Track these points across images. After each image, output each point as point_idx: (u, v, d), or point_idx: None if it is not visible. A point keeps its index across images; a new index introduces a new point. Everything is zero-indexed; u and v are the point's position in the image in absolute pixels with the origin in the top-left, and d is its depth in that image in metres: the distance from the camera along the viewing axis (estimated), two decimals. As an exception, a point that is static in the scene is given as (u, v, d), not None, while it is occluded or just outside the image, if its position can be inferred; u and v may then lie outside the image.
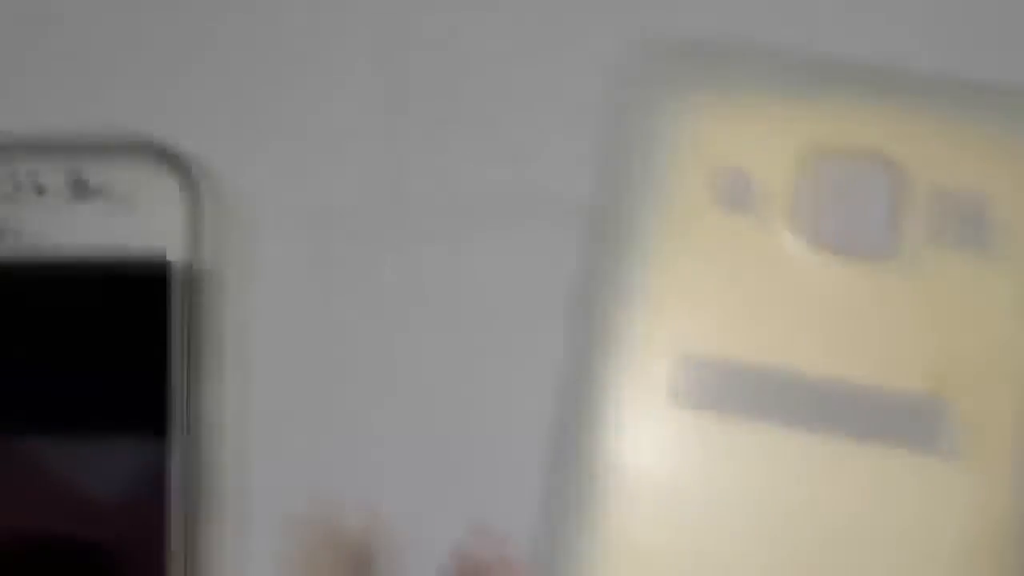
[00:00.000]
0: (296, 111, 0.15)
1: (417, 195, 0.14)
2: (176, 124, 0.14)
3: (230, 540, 0.14)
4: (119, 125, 0.14)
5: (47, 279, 0.13)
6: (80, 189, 0.13)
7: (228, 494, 0.14)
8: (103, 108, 0.14)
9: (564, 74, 0.14)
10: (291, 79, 0.15)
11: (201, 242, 0.13)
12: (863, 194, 0.14)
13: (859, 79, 0.14)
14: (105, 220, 0.13)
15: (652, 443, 0.14)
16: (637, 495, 0.14)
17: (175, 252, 0.13)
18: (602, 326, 0.14)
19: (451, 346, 0.14)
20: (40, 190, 0.13)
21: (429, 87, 0.15)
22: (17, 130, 0.14)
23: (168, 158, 0.14)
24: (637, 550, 0.14)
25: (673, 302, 0.14)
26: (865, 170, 0.14)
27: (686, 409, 0.14)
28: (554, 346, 0.14)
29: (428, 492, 0.14)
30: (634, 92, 0.14)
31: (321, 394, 0.14)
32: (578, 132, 0.14)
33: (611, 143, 0.14)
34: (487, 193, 0.14)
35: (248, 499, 0.14)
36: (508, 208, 0.15)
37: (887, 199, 0.14)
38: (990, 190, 0.14)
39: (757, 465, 0.14)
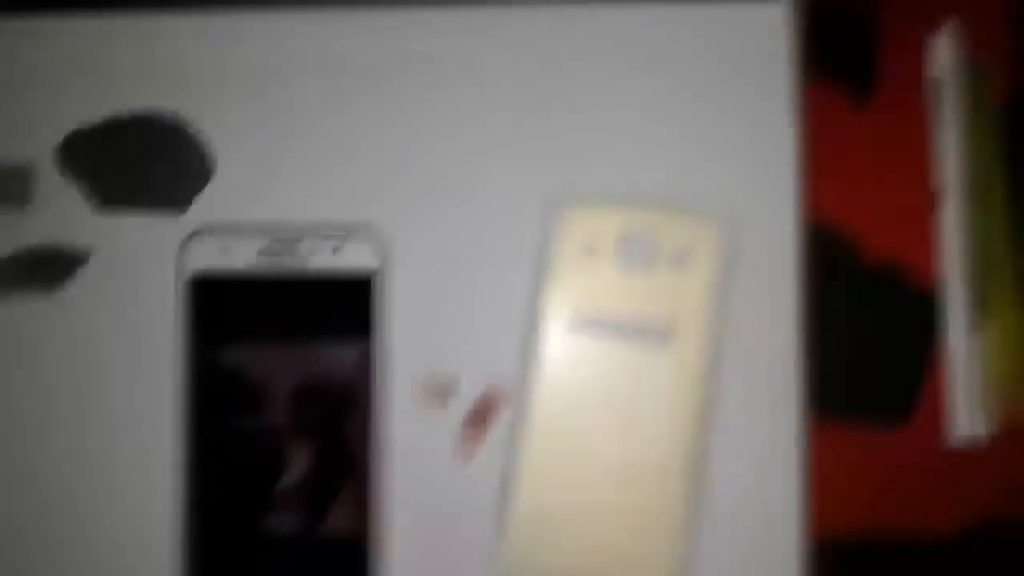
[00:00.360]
0: (446, 202, 0.35)
1: (492, 250, 0.35)
2: (375, 209, 0.35)
3: (391, 397, 0.34)
4: (341, 212, 0.35)
5: (326, 279, 0.34)
6: (340, 245, 0.34)
7: (391, 374, 0.34)
8: (333, 202, 0.35)
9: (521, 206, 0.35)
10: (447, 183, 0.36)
11: (385, 267, 0.34)
12: (641, 247, 0.35)
13: (643, 204, 0.35)
14: (347, 258, 0.34)
15: (555, 352, 0.34)
16: (549, 375, 0.34)
17: (375, 270, 0.34)
18: (538, 301, 0.34)
19: (505, 296, 0.35)
20: (298, 250, 0.34)
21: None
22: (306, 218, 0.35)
23: (373, 232, 0.35)
24: (548, 397, 0.34)
25: (564, 295, 0.34)
26: (643, 239, 0.35)
27: (573, 333, 0.34)
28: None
29: (482, 362, 0.35)
30: (554, 210, 0.35)
31: (457, 317, 0.35)
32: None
33: (543, 232, 0.35)
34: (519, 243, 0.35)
35: (403, 377, 0.35)
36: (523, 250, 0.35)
37: (652, 248, 0.35)
38: (690, 245, 0.35)
39: (596, 358, 0.34)
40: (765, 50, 0.35)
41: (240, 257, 0.34)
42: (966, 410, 0.35)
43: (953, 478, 0.35)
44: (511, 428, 0.34)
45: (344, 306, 0.34)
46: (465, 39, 0.36)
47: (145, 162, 0.35)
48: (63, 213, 0.35)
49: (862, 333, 0.36)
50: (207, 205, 0.36)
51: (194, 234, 0.35)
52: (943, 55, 0.36)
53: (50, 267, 0.35)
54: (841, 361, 0.35)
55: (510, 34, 0.36)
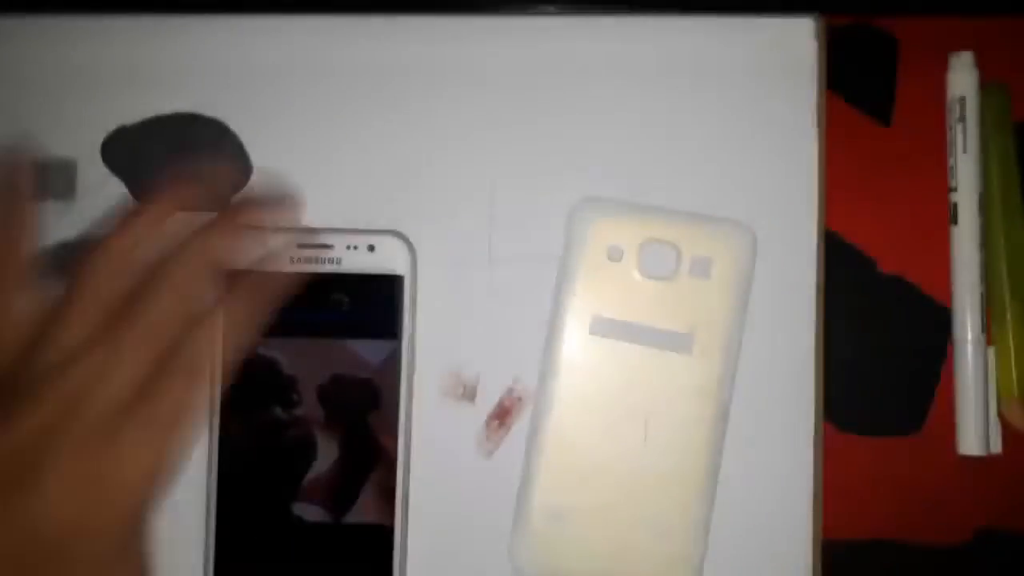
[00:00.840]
0: (473, 207, 0.37)
1: (517, 253, 0.36)
2: (405, 213, 0.36)
3: (417, 392, 0.36)
4: (370, 215, 0.36)
5: (356, 280, 0.35)
6: (370, 247, 0.35)
7: (417, 370, 0.36)
8: (363, 205, 0.36)
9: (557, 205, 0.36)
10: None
11: (413, 269, 0.35)
12: (665, 255, 0.36)
13: (668, 212, 0.36)
14: (377, 260, 0.35)
15: (575, 354, 0.35)
16: (568, 377, 0.35)
17: (403, 272, 0.35)
18: (560, 305, 0.36)
19: (529, 298, 0.36)
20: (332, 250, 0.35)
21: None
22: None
23: (401, 236, 0.36)
24: (567, 398, 0.35)
25: (585, 299, 0.36)
26: (666, 247, 0.36)
27: (593, 336, 0.35)
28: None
29: (505, 361, 0.36)
30: (578, 217, 0.36)
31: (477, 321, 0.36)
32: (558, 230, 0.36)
33: (566, 238, 0.36)
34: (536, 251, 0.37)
35: (430, 375, 0.36)
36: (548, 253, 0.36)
37: (675, 256, 0.36)
38: (713, 254, 0.36)
39: (615, 361, 0.35)
40: (790, 63, 0.36)
41: (276, 255, 0.35)
42: (975, 427, 0.36)
43: (964, 487, 0.36)
44: (529, 427, 0.35)
45: (373, 305, 0.35)
46: (494, 46, 0.37)
47: (185, 160, 0.37)
48: (105, 207, 0.37)
49: (876, 342, 0.37)
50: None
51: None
52: (962, 76, 0.37)
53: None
54: (855, 370, 0.36)
55: (538, 42, 0.37)
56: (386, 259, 0.35)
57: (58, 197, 0.37)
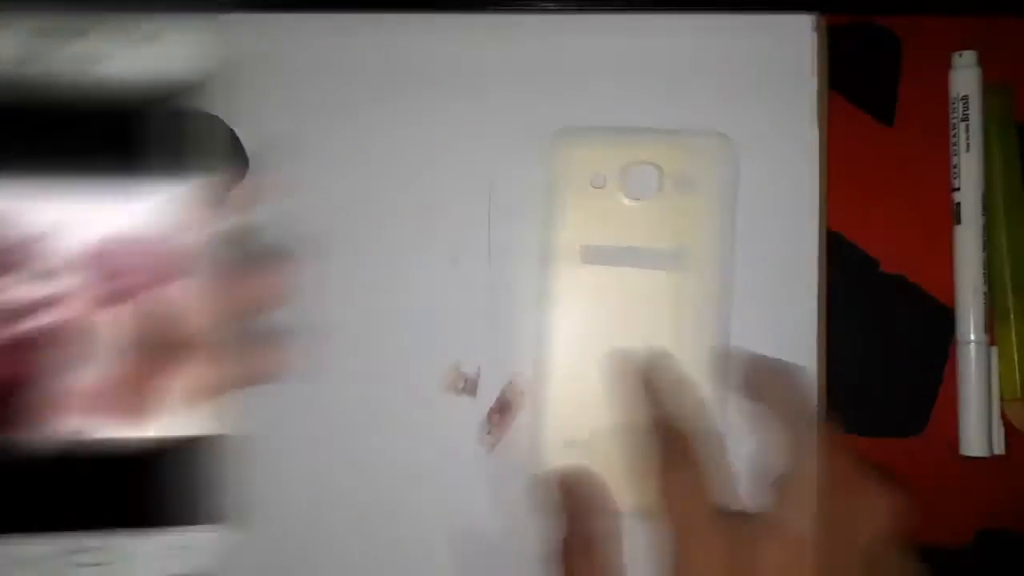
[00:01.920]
0: (471, 199, 0.37)
1: (518, 247, 0.36)
2: (400, 205, 0.36)
3: (417, 387, 0.36)
4: (372, 215, 0.36)
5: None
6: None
7: (416, 365, 0.36)
8: (362, 204, 0.36)
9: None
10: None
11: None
12: (647, 176, 0.34)
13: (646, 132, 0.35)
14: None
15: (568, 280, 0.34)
16: (565, 296, 0.34)
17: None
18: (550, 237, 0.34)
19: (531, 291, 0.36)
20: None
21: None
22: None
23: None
24: (564, 327, 0.34)
25: (574, 233, 0.34)
26: (647, 168, 0.34)
27: (586, 265, 0.34)
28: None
29: (506, 354, 0.35)
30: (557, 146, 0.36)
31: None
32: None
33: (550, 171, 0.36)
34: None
35: (427, 371, 0.36)
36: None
37: (656, 178, 0.34)
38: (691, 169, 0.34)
39: (611, 286, 0.34)
40: (791, 62, 0.36)
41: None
42: (977, 428, 0.35)
43: (966, 488, 0.36)
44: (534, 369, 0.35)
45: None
46: (493, 42, 0.37)
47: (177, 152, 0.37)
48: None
49: (878, 343, 0.37)
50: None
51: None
52: (965, 74, 0.37)
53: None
54: (857, 371, 0.36)
55: (537, 39, 0.37)
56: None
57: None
